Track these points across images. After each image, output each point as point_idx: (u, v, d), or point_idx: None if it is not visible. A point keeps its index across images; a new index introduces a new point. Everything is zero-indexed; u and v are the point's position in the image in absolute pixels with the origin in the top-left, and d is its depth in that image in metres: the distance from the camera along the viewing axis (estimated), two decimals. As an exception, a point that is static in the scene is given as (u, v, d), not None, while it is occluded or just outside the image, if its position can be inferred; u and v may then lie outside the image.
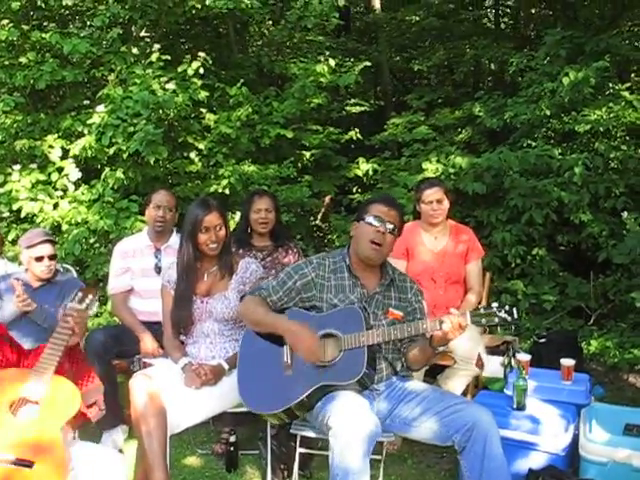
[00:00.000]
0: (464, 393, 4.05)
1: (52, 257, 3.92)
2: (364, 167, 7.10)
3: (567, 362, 3.72)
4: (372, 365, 2.92)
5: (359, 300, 3.02)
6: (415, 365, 3.09)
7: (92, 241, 6.16)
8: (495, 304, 2.75)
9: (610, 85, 6.60)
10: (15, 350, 2.74)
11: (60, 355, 2.61)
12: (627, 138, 6.36)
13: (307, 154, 7.08)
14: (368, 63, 7.30)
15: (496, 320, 2.72)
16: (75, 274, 4.43)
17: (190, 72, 6.33)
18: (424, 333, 2.86)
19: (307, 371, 2.89)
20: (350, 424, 2.58)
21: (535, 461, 3.17)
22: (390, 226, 2.99)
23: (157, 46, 6.37)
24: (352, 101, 8.31)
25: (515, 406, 3.38)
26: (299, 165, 7.05)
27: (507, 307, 2.74)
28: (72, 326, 2.70)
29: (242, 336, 3.20)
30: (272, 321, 3.01)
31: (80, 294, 2.82)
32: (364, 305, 3.02)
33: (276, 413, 2.92)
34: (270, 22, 8.75)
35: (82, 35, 6.32)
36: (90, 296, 2.83)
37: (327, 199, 7.83)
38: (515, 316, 2.73)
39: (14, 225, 6.37)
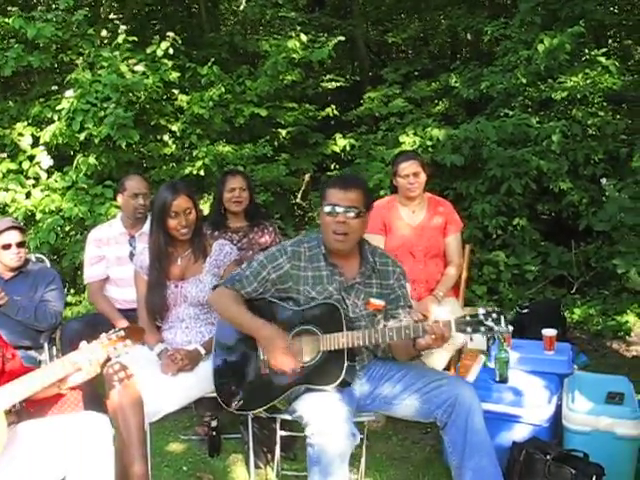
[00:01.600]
0: (447, 367, 4.02)
1: (20, 244, 3.83)
2: (341, 143, 7.01)
3: (549, 332, 3.69)
4: (353, 361, 2.81)
5: (338, 291, 2.87)
6: (399, 359, 2.97)
7: (67, 229, 6.08)
8: (482, 310, 2.59)
9: (586, 51, 6.54)
10: None
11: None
12: (604, 104, 6.32)
13: (283, 132, 6.99)
14: (342, 38, 7.17)
15: (482, 329, 2.56)
16: (48, 263, 4.34)
17: (159, 53, 6.22)
18: (407, 336, 2.70)
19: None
20: (326, 431, 2.51)
21: (519, 433, 3.14)
22: (351, 212, 2.78)
23: (123, 27, 6.24)
24: (328, 77, 8.20)
25: (497, 379, 3.35)
26: (275, 143, 6.96)
27: (494, 315, 2.57)
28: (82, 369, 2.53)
29: (217, 321, 3.13)
30: (246, 323, 2.86)
31: (123, 333, 2.61)
32: (343, 295, 2.88)
33: (256, 412, 2.89)
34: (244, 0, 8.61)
35: (47, 18, 6.14)
36: (129, 342, 2.63)
37: (307, 177, 7.74)
38: (503, 325, 2.55)
39: (-15, 217, 6.25)
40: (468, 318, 2.60)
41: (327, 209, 2.81)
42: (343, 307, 2.82)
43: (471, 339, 2.65)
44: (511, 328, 3.67)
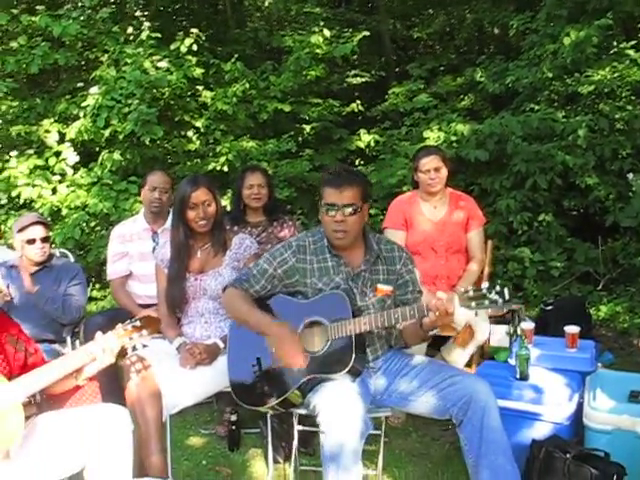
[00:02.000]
0: (469, 364, 3.99)
1: (45, 239, 3.88)
2: (365, 139, 7.00)
3: (571, 329, 3.63)
4: (362, 349, 2.81)
5: (344, 280, 2.88)
6: (411, 343, 2.99)
7: (93, 224, 6.15)
8: (485, 284, 2.56)
9: (614, 44, 6.43)
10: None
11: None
12: (632, 98, 6.19)
13: (307, 128, 6.99)
14: (367, 33, 7.15)
15: (486, 302, 2.52)
16: (72, 259, 4.39)
17: (183, 49, 6.26)
18: (412, 317, 2.71)
19: None
20: (339, 425, 2.50)
21: (539, 431, 3.09)
22: (348, 210, 2.78)
23: (147, 24, 6.29)
24: (353, 72, 8.18)
25: (518, 376, 3.30)
26: (299, 139, 6.97)
27: (497, 287, 2.53)
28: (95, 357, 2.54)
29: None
30: (256, 322, 2.87)
31: (139, 323, 2.64)
32: (350, 285, 2.88)
33: (270, 406, 2.88)
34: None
35: (73, 16, 6.21)
36: (145, 332, 2.65)
37: (331, 173, 7.72)
38: (507, 297, 2.51)
39: (12, 212, 6.34)
40: (471, 293, 2.56)
41: (325, 209, 2.82)
42: (351, 296, 2.82)
43: (476, 314, 2.60)
44: (532, 324, 3.72)
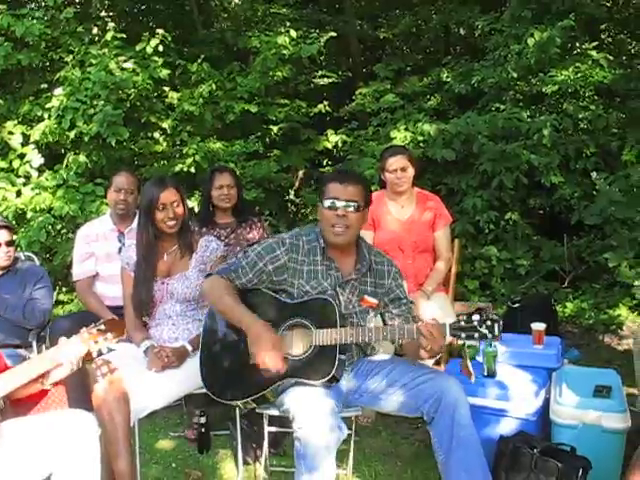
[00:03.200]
0: (437, 362, 4.02)
1: (9, 243, 3.82)
2: (333, 139, 7.01)
3: (538, 326, 3.67)
4: (343, 357, 2.80)
5: (332, 286, 2.86)
6: (412, 357, 2.95)
7: (58, 227, 6.07)
8: (476, 317, 2.58)
9: (577, 45, 6.54)
10: None
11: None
12: (595, 98, 6.31)
13: (274, 128, 6.97)
14: (334, 34, 7.16)
15: (476, 335, 2.57)
16: (37, 262, 4.33)
17: (149, 50, 6.20)
18: (401, 337, 2.71)
19: None
20: (312, 426, 2.49)
21: (506, 427, 3.13)
22: (351, 205, 2.79)
23: (112, 24, 6.22)
24: (319, 73, 8.18)
25: (485, 373, 3.33)
26: (267, 140, 6.95)
27: (489, 322, 2.56)
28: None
29: (207, 312, 3.08)
30: (238, 316, 2.81)
31: (103, 327, 2.61)
32: (337, 291, 2.87)
33: (243, 402, 2.86)
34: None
35: (36, 16, 6.12)
36: (110, 335, 2.61)
37: (300, 173, 7.73)
38: (496, 333, 2.56)
39: (-25, 216, 6.23)
40: (463, 323, 2.60)
41: (327, 203, 2.81)
42: (337, 303, 2.80)
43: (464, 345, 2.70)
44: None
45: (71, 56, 6.31)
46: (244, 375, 2.84)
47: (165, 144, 6.51)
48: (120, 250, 4.02)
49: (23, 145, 6.22)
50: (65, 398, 3.17)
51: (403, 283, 3.06)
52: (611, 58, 6.23)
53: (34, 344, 3.83)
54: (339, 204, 2.79)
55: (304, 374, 2.74)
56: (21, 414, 2.59)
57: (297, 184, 7.73)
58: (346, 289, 2.90)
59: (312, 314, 2.79)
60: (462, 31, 9.51)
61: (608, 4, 8.53)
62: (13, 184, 6.09)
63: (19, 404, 2.62)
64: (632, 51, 9.62)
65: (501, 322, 2.59)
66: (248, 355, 2.80)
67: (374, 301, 2.92)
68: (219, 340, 2.97)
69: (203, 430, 3.61)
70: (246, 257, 2.90)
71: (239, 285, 2.90)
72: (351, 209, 2.79)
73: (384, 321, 2.98)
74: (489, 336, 2.57)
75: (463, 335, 2.59)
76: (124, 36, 6.25)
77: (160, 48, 6.27)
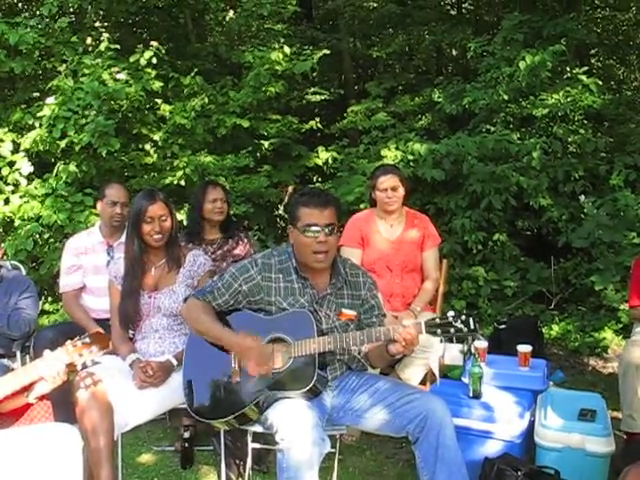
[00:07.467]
0: (423, 382, 4.02)
1: None
2: (323, 156, 7.01)
3: (524, 348, 3.69)
4: (324, 369, 2.82)
5: (310, 303, 2.87)
6: (377, 365, 3.04)
7: (46, 236, 6.02)
8: (451, 313, 2.62)
9: (568, 69, 6.61)
10: None
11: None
12: (585, 122, 6.36)
13: (265, 144, 6.97)
14: (327, 51, 7.18)
15: (452, 331, 2.59)
16: (24, 271, 4.29)
17: (143, 62, 6.20)
18: (377, 340, 2.74)
19: (255, 378, 2.78)
20: (297, 442, 2.50)
21: (491, 449, 3.13)
22: (328, 229, 2.79)
23: (106, 35, 6.22)
24: (312, 90, 8.22)
25: (471, 394, 3.34)
26: (258, 155, 6.95)
27: (463, 317, 2.60)
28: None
29: (189, 333, 3.10)
30: (218, 335, 2.86)
31: (88, 340, 2.59)
32: (315, 307, 2.88)
33: (225, 421, 2.85)
34: (231, 11, 8.64)
35: (30, 24, 6.12)
36: (94, 349, 2.61)
37: (290, 189, 7.73)
38: (472, 326, 2.59)
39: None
40: (437, 320, 2.64)
41: (306, 229, 2.79)
42: (316, 318, 2.82)
43: (441, 341, 2.76)
44: (485, 343, 3.77)
45: (64, 65, 6.29)
46: (226, 394, 2.85)
47: (156, 156, 6.49)
48: (109, 263, 4.01)
49: (13, 153, 6.19)
50: (50, 412, 3.13)
51: (378, 294, 3.07)
52: (600, 83, 6.32)
53: (18, 354, 3.80)
54: (319, 230, 2.79)
55: (285, 386, 2.75)
56: (4, 427, 2.57)
57: (286, 199, 7.74)
58: (323, 305, 2.91)
59: (290, 328, 2.81)
60: (454, 52, 9.60)
61: (598, 30, 8.67)
62: (1, 192, 6.05)
63: (2, 417, 2.59)
64: (621, 76, 9.78)
65: (476, 316, 2.64)
66: (229, 374, 2.83)
67: (352, 313, 2.93)
68: (200, 361, 2.97)
69: (187, 445, 3.59)
70: (221, 279, 2.93)
71: (216, 306, 2.93)
72: (331, 234, 2.81)
73: None
74: (465, 330, 2.59)
75: (439, 332, 2.62)
76: (118, 47, 6.24)
77: (154, 60, 6.27)
